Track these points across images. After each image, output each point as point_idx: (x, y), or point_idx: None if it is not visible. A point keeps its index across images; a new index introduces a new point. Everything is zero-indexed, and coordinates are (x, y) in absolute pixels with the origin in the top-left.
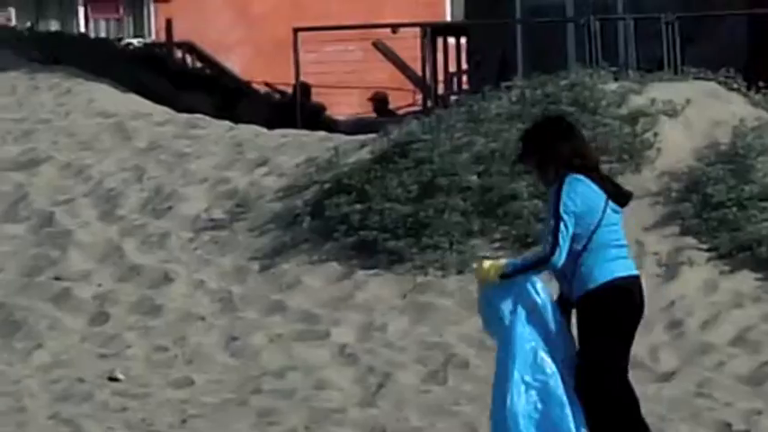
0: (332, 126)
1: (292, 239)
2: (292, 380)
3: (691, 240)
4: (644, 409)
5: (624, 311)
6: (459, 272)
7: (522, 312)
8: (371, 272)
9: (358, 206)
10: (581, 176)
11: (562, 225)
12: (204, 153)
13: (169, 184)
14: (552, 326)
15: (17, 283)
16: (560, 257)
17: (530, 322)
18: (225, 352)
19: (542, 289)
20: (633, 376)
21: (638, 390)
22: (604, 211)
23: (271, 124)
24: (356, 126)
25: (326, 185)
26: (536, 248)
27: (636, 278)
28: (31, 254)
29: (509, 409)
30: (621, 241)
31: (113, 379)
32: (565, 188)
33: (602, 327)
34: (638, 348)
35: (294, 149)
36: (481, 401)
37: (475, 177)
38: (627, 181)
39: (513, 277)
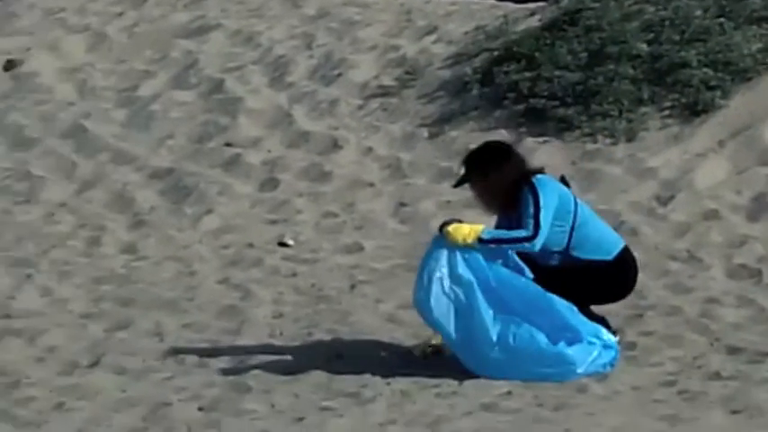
0: None
1: (461, 107)
2: None
3: None
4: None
5: (631, 280)
6: (629, 140)
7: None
8: (540, 139)
9: (527, 74)
10: (540, 176)
11: (543, 212)
12: (373, 21)
13: (338, 52)
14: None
15: (187, 149)
16: (540, 241)
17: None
18: (394, 218)
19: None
20: None
21: None
22: (573, 194)
23: None
24: None
25: (496, 53)
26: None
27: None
28: (201, 120)
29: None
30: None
31: (283, 244)
32: (539, 189)
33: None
34: None
35: (463, 17)
36: (650, 269)
37: (644, 45)
38: None
39: (490, 245)
